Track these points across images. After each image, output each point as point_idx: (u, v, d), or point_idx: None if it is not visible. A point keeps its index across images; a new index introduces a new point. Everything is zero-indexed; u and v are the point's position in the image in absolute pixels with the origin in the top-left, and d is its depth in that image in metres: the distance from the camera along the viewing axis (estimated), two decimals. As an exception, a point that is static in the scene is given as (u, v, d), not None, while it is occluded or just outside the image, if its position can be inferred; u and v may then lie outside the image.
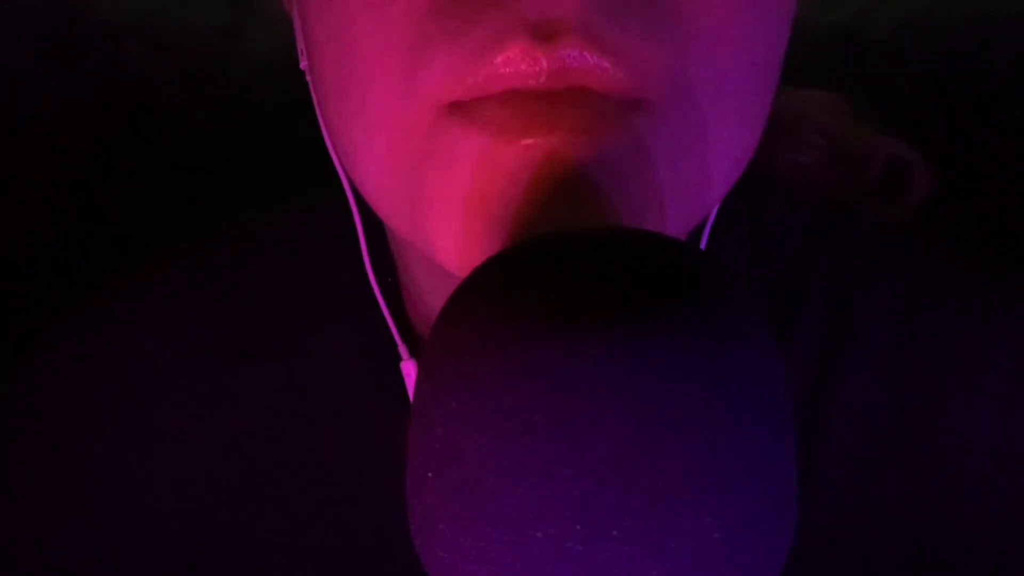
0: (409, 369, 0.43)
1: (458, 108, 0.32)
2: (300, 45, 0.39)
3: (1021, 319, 0.44)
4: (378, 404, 0.44)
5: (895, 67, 0.59)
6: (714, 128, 0.34)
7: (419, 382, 0.31)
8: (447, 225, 0.33)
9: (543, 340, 0.28)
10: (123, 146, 0.58)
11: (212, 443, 0.45)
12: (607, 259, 0.30)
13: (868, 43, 0.58)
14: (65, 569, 0.45)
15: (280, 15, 0.40)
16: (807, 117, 0.49)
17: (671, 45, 0.32)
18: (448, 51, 0.32)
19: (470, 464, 0.28)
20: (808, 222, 0.46)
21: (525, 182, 0.32)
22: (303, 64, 0.39)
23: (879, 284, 0.44)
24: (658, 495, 0.27)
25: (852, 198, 0.47)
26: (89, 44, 0.56)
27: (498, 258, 0.31)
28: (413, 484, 0.30)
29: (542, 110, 0.31)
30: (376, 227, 0.43)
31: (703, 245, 0.42)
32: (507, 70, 0.31)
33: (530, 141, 0.31)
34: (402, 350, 0.43)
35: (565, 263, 0.29)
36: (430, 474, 0.29)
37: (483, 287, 0.30)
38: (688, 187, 0.34)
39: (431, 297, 0.42)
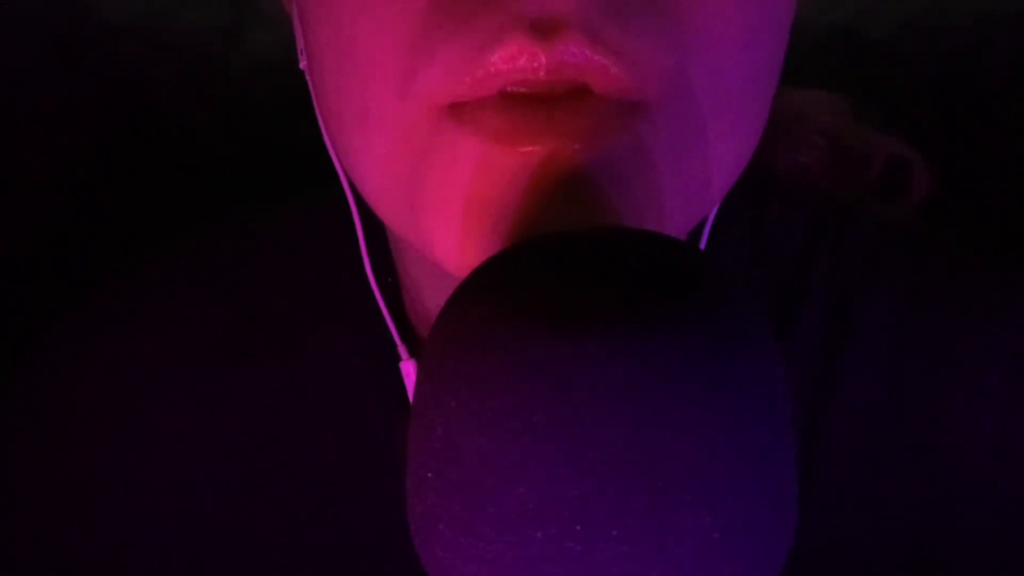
0: (408, 369, 0.43)
1: (457, 111, 0.32)
2: (299, 45, 0.39)
3: (1021, 319, 0.44)
4: (378, 404, 0.44)
5: (895, 67, 0.59)
6: (714, 128, 0.34)
7: (419, 382, 0.31)
8: (446, 226, 0.33)
9: (543, 340, 0.28)
10: (123, 146, 0.58)
11: (212, 443, 0.45)
12: (607, 259, 0.30)
13: (868, 43, 0.58)
14: (65, 569, 0.45)
15: (280, 15, 0.40)
16: (807, 117, 0.49)
17: (671, 45, 0.32)
18: (447, 50, 0.32)
19: (470, 464, 0.28)
20: (808, 222, 0.46)
21: (524, 184, 0.32)
22: (302, 64, 0.39)
23: (879, 284, 0.44)
24: (658, 495, 0.27)
25: (852, 198, 0.47)
26: (89, 44, 0.56)
27: (498, 258, 0.31)
28: (413, 484, 0.30)
29: (539, 118, 0.31)
30: (376, 227, 0.43)
31: (703, 245, 0.42)
32: (505, 66, 0.31)
33: (528, 148, 0.31)
34: (401, 350, 0.43)
35: (565, 263, 0.29)
36: (430, 474, 0.29)
37: (483, 287, 0.30)
38: (688, 187, 0.34)
39: (430, 297, 0.42)
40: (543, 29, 0.31)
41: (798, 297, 0.44)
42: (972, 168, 0.58)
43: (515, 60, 0.31)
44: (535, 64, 0.31)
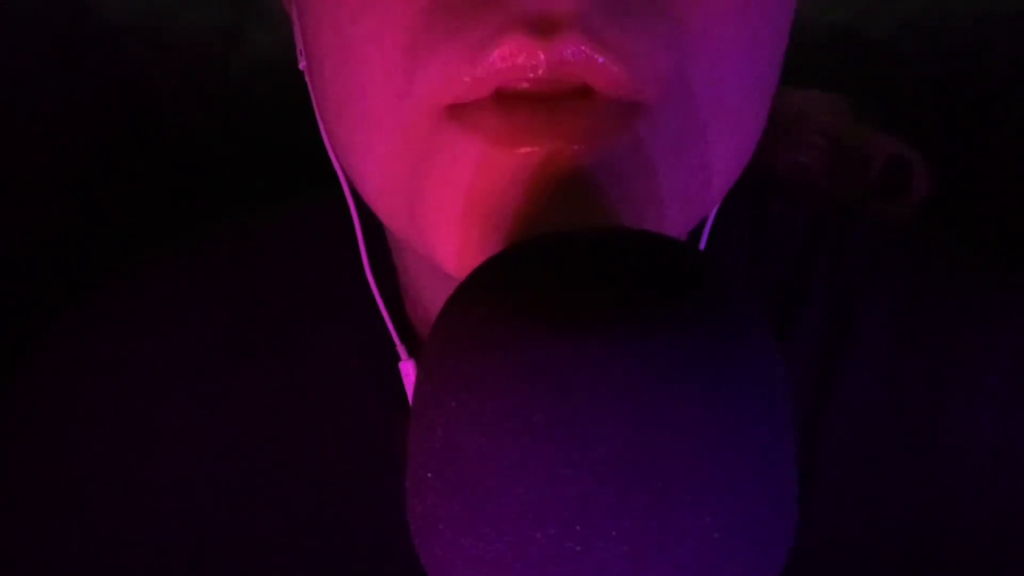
0: (408, 369, 0.43)
1: (457, 111, 0.32)
2: (299, 46, 0.39)
3: (1021, 319, 0.44)
4: (378, 404, 0.44)
5: (895, 67, 0.59)
6: (713, 128, 0.34)
7: (419, 382, 0.31)
8: (446, 227, 0.33)
9: (543, 340, 0.28)
10: (123, 146, 0.58)
11: (212, 443, 0.45)
12: (607, 259, 0.30)
13: (868, 43, 0.58)
14: (65, 569, 0.45)
15: (280, 15, 0.40)
16: (807, 117, 0.49)
17: (670, 45, 0.32)
18: (446, 49, 0.32)
19: (470, 464, 0.28)
20: (808, 222, 0.46)
21: (523, 185, 0.32)
22: (302, 64, 0.39)
23: (879, 284, 0.44)
24: (658, 495, 0.27)
25: (852, 198, 0.47)
26: (89, 44, 0.56)
27: (498, 258, 0.31)
28: (413, 484, 0.30)
29: (539, 119, 0.31)
30: (376, 227, 0.43)
31: (703, 245, 0.42)
32: (505, 65, 0.31)
33: (528, 149, 0.31)
34: (401, 350, 0.43)
35: (565, 263, 0.29)
36: (430, 474, 0.29)
37: (483, 287, 0.30)
38: (688, 187, 0.34)
39: (430, 297, 0.42)
40: (542, 28, 0.31)
41: (798, 297, 0.44)
42: (972, 168, 0.58)
43: (514, 58, 0.31)
44: (534, 62, 0.31)
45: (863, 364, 0.43)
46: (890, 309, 0.44)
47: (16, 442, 0.47)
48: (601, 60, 0.31)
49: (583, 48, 0.31)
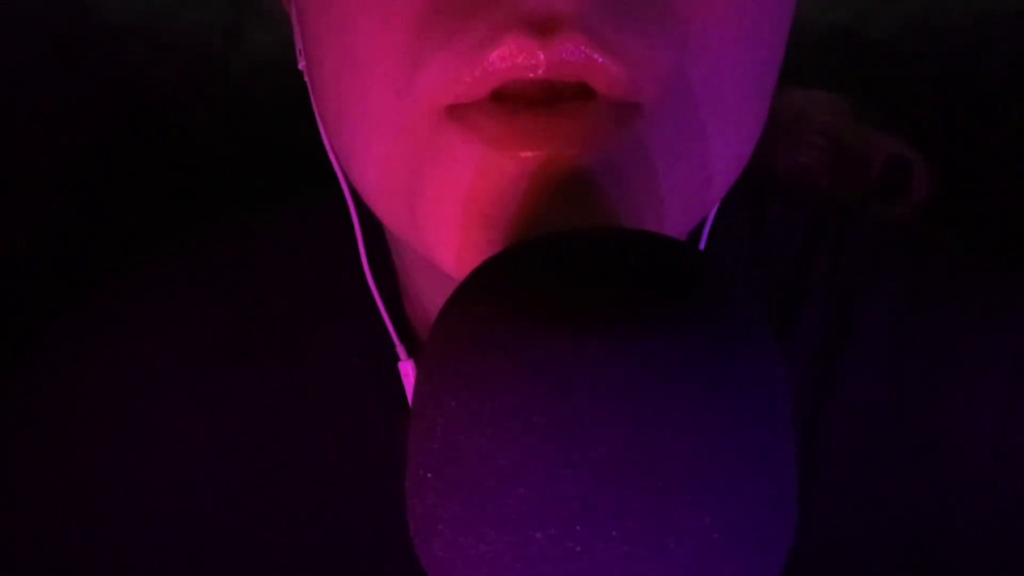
0: (407, 369, 0.43)
1: (456, 113, 0.32)
2: (298, 46, 0.39)
3: (1021, 319, 0.44)
4: (378, 404, 0.44)
5: (895, 67, 0.59)
6: (713, 128, 0.34)
7: (419, 382, 0.31)
8: (445, 227, 0.33)
9: (543, 340, 0.28)
10: (123, 146, 0.58)
11: (212, 443, 0.45)
12: (607, 259, 0.30)
13: (868, 43, 0.58)
14: (65, 569, 0.45)
15: (280, 15, 0.40)
16: (807, 117, 0.49)
17: (669, 46, 0.32)
18: (445, 49, 0.32)
19: (470, 464, 0.28)
20: (808, 222, 0.46)
21: (523, 187, 0.32)
22: (301, 65, 0.39)
23: (879, 284, 0.44)
24: (658, 495, 0.27)
25: (852, 198, 0.47)
26: (89, 44, 0.56)
27: (498, 258, 0.31)
28: (413, 484, 0.30)
29: (538, 123, 0.31)
30: (376, 227, 0.43)
31: (703, 245, 0.42)
32: (504, 64, 0.31)
33: (527, 153, 0.31)
34: (400, 351, 0.43)
35: (565, 263, 0.29)
36: (430, 474, 0.29)
37: (483, 287, 0.30)
38: (687, 187, 0.34)
39: (430, 297, 0.42)
40: (542, 28, 0.31)
41: (798, 297, 0.44)
42: (972, 168, 0.58)
43: (514, 58, 0.31)
44: (534, 62, 0.31)
45: (863, 364, 0.43)
46: (890, 309, 0.44)
47: (16, 442, 0.47)
48: (601, 60, 0.31)
49: (583, 48, 0.31)
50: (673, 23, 0.32)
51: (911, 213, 0.48)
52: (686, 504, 0.27)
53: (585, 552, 0.27)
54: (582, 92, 0.32)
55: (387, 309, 0.43)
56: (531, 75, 0.31)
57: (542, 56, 0.31)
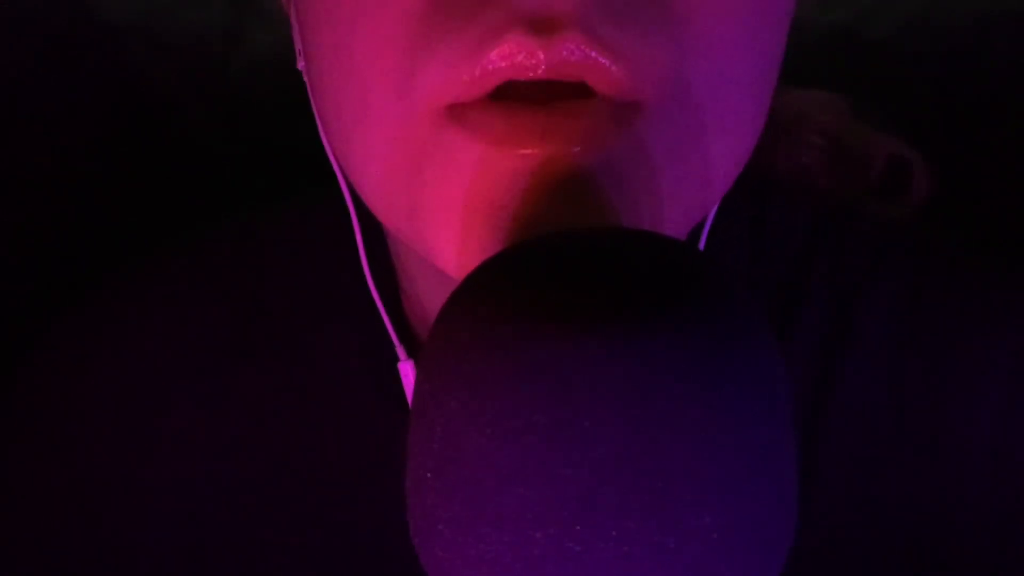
0: (407, 370, 0.43)
1: (456, 112, 0.32)
2: (297, 46, 0.39)
3: (1021, 319, 0.44)
4: (377, 404, 0.44)
5: (895, 67, 0.59)
6: (712, 128, 0.34)
7: (419, 382, 0.30)
8: (445, 228, 0.33)
9: (543, 340, 0.28)
10: (123, 146, 0.58)
11: (212, 443, 0.45)
12: (607, 259, 0.30)
13: (868, 43, 0.59)
14: (65, 569, 0.45)
15: (280, 15, 0.40)
16: (807, 117, 0.49)
17: (669, 46, 0.32)
18: (446, 48, 0.32)
19: (470, 464, 0.28)
20: (808, 222, 0.46)
21: (523, 186, 0.32)
22: (300, 65, 0.39)
23: (879, 284, 0.44)
24: (658, 495, 0.27)
25: (852, 198, 0.47)
26: (89, 44, 0.56)
27: (498, 258, 0.31)
28: (413, 484, 0.30)
29: (538, 121, 0.31)
30: (375, 227, 0.43)
31: (703, 245, 0.42)
32: (504, 63, 0.31)
33: (527, 151, 0.31)
34: (400, 351, 0.43)
35: (565, 263, 0.29)
36: (430, 474, 0.29)
37: (483, 287, 0.30)
38: (687, 187, 0.34)
39: (429, 298, 0.42)
40: (542, 27, 0.31)
41: (798, 297, 0.44)
42: (972, 168, 0.58)
43: (514, 57, 0.31)
44: (534, 61, 0.31)
45: (863, 364, 0.43)
46: (890, 309, 0.44)
47: (16, 442, 0.47)
48: (600, 60, 0.31)
49: (583, 48, 0.31)
50: (673, 23, 0.32)
51: (911, 213, 0.48)
52: (686, 504, 0.27)
53: (585, 552, 0.27)
54: (582, 92, 0.32)
55: (387, 309, 0.43)
56: (531, 74, 0.31)
57: (542, 55, 0.31)
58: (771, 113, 0.37)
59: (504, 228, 0.32)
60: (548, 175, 0.31)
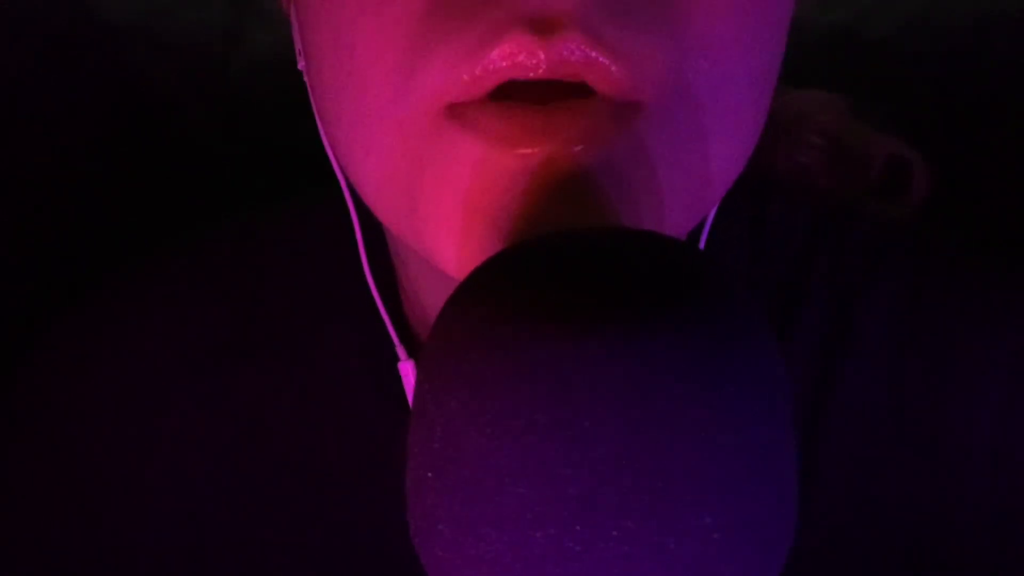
0: (407, 370, 0.43)
1: (456, 112, 0.32)
2: (297, 46, 0.39)
3: (1021, 319, 0.44)
4: (377, 404, 0.44)
5: (895, 67, 0.59)
6: (713, 128, 0.34)
7: (419, 382, 0.31)
8: (445, 228, 0.33)
9: (543, 340, 0.28)
10: (123, 146, 0.58)
11: (212, 443, 0.45)
12: (607, 259, 0.30)
13: (868, 43, 0.59)
14: (65, 569, 0.45)
15: (280, 15, 0.40)
16: (807, 117, 0.49)
17: (669, 46, 0.32)
18: (446, 48, 0.32)
19: (470, 464, 0.28)
20: (808, 222, 0.46)
21: (523, 186, 0.32)
22: (301, 65, 0.39)
23: (879, 284, 0.44)
24: (658, 495, 0.27)
25: (852, 198, 0.47)
26: (89, 44, 0.56)
27: (498, 258, 0.31)
28: (413, 484, 0.30)
29: (538, 121, 0.31)
30: (375, 227, 0.43)
31: (703, 245, 0.42)
32: (505, 63, 0.31)
33: (527, 151, 0.31)
34: (400, 351, 0.43)
35: (565, 263, 0.29)
36: (430, 474, 0.29)
37: (483, 287, 0.30)
38: (687, 187, 0.34)
39: (429, 298, 0.42)
40: (543, 27, 0.31)
41: (798, 297, 0.44)
42: (972, 168, 0.58)
43: (514, 56, 0.31)
44: (534, 61, 0.31)
45: (863, 364, 0.43)
46: (890, 309, 0.44)
47: (16, 442, 0.47)
48: (601, 60, 0.31)
49: (583, 47, 0.31)
50: (673, 23, 0.32)
51: (911, 213, 0.48)
52: (686, 504, 0.27)
53: (585, 552, 0.27)
54: (582, 91, 0.32)
55: (387, 309, 0.43)
56: (532, 74, 0.31)
57: (543, 55, 0.31)
58: (771, 113, 0.37)
59: (504, 228, 0.32)
60: (548, 175, 0.31)
